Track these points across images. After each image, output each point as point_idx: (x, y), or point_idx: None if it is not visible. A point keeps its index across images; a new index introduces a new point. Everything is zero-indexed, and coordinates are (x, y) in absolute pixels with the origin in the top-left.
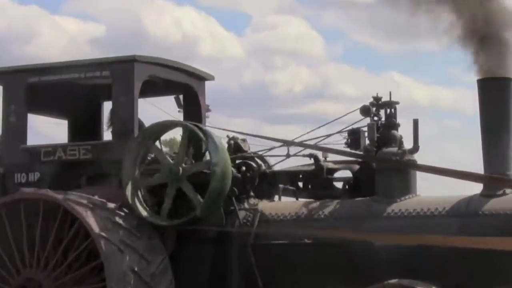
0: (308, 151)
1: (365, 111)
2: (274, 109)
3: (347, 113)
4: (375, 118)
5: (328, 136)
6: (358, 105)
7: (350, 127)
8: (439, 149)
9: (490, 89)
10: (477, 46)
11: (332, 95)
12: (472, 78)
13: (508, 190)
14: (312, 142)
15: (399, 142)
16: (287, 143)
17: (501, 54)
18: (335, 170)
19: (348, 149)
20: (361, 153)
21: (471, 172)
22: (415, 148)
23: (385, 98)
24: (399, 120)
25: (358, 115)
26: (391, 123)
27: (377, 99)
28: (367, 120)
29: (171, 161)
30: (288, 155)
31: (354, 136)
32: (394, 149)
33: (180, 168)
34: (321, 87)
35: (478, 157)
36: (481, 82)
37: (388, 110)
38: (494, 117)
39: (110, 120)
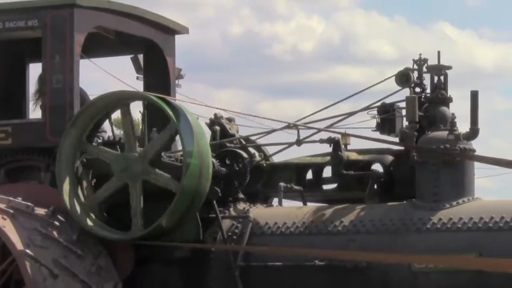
0: (322, 135)
1: (403, 79)
2: (275, 77)
3: (378, 82)
4: (418, 89)
5: (351, 114)
6: (394, 71)
7: (381, 102)
8: (510, 132)
9: None
10: None
11: (357, 56)
12: None
13: None
14: (328, 123)
15: (450, 123)
16: (292, 125)
17: None
18: (360, 162)
19: (378, 134)
20: (397, 139)
21: None
22: (474, 131)
23: (432, 61)
24: (451, 92)
25: (393, 85)
26: (440, 97)
27: (420, 62)
28: (406, 91)
29: (115, 151)
30: (294, 142)
31: (387, 115)
32: (443, 133)
33: (136, 154)
34: (342, 45)
35: None
36: None
37: (436, 78)
38: None
39: (38, 90)
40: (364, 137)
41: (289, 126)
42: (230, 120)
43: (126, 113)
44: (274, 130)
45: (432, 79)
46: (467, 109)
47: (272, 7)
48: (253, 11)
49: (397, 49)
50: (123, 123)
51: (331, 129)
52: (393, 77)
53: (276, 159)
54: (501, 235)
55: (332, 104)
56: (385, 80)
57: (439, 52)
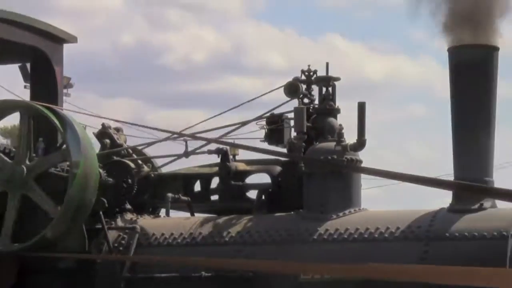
0: (211, 145)
1: (291, 89)
2: (166, 86)
3: (266, 93)
4: (306, 100)
5: (240, 125)
6: (284, 81)
7: (270, 113)
8: (396, 143)
9: (466, 62)
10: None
11: (249, 66)
12: (443, 45)
13: (486, 203)
14: (216, 134)
15: (338, 134)
16: (179, 135)
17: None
18: (248, 173)
19: (266, 144)
20: (285, 149)
21: (434, 178)
22: (361, 142)
23: (321, 72)
24: (339, 103)
25: (282, 96)
26: (328, 108)
27: (309, 73)
28: (295, 102)
29: (8, 160)
30: (182, 154)
31: (275, 126)
32: (330, 144)
33: (24, 167)
34: (233, 55)
35: (448, 155)
36: (454, 51)
37: (325, 89)
38: (470, 101)
39: None
40: (250, 147)
41: (177, 136)
42: (118, 130)
43: (22, 123)
44: (160, 140)
45: (320, 90)
46: (355, 120)
47: (164, 16)
48: (145, 20)
49: (287, 60)
50: (19, 133)
51: (218, 140)
52: (282, 88)
53: (165, 169)
54: (386, 245)
55: (219, 114)
56: (273, 90)
57: (327, 64)
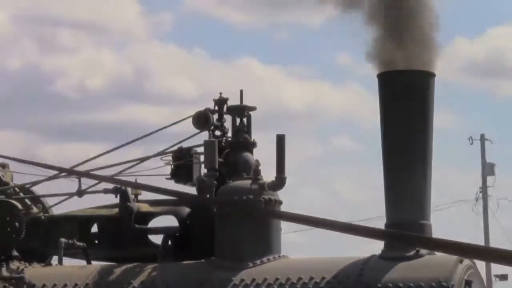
0: (107, 184)
1: (201, 120)
2: (59, 116)
3: (172, 123)
4: (218, 133)
5: (140, 161)
6: (193, 111)
7: (177, 146)
8: (321, 180)
9: (398, 89)
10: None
11: (153, 93)
12: (370, 71)
13: (423, 250)
14: (115, 170)
15: (254, 171)
16: (69, 173)
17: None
18: (153, 215)
19: (172, 182)
20: (193, 189)
21: (357, 225)
22: (280, 180)
23: (234, 100)
24: (255, 135)
25: (191, 127)
26: (243, 141)
27: (221, 102)
28: (205, 135)
29: None
30: (75, 193)
31: (183, 161)
32: (246, 183)
33: None
34: (135, 81)
35: (380, 194)
36: (384, 77)
37: (239, 120)
38: (403, 134)
39: None
40: (153, 187)
41: (64, 175)
42: (3, 166)
43: None
44: (50, 178)
45: (234, 121)
46: (273, 154)
47: (56, 38)
48: (34, 43)
49: (197, 87)
50: None
51: (115, 178)
52: (191, 118)
53: (57, 210)
54: None
55: (118, 147)
56: (181, 121)
57: (241, 91)
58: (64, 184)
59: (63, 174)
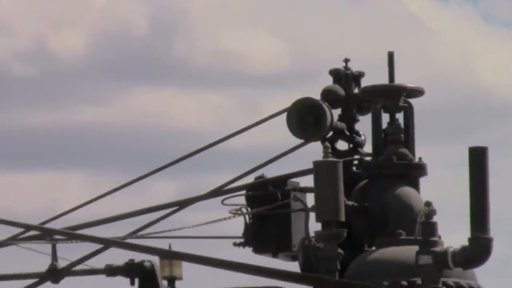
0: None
1: (311, 110)
2: None
3: (246, 128)
4: (342, 145)
5: (180, 206)
6: (277, 101)
7: (251, 176)
8: None
9: None
10: None
11: None
12: None
13: None
14: (124, 228)
15: (425, 225)
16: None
17: None
18: None
19: (244, 252)
20: (290, 268)
21: None
22: (480, 245)
23: (371, 78)
24: (421, 150)
25: (283, 134)
26: (399, 163)
27: (348, 77)
28: (313, 152)
29: None
30: None
31: (269, 207)
32: (404, 252)
33: None
34: None
35: None
36: None
37: (388, 118)
38: None
39: None
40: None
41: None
42: None
43: None
44: None
45: (377, 119)
46: (459, 186)
47: None
48: None
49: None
50: None
51: (130, 241)
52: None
53: None
54: None
55: (132, 181)
56: (265, 120)
57: (391, 55)
58: (10, 253)
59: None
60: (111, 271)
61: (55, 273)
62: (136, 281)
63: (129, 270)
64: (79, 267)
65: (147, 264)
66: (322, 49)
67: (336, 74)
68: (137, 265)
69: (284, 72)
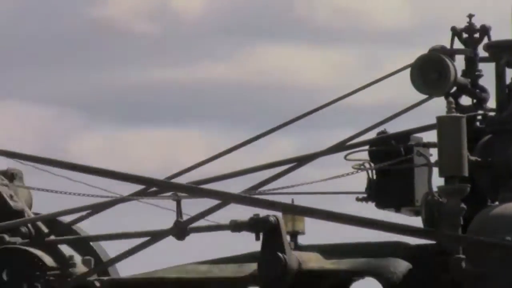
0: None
1: (426, 70)
2: None
3: (368, 85)
4: (465, 101)
5: (298, 163)
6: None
7: (374, 131)
8: None
9: None
10: None
11: None
12: None
13: None
14: (242, 184)
15: None
16: (160, 186)
17: None
18: (328, 278)
19: (367, 207)
20: (411, 223)
21: None
22: None
23: (498, 33)
24: None
25: (404, 92)
26: None
27: (473, 32)
28: (437, 107)
29: None
30: None
31: (392, 162)
32: None
33: None
34: None
35: None
36: None
37: None
38: None
39: None
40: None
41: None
42: (11, 176)
43: None
44: (117, 201)
45: (501, 75)
46: None
47: None
48: None
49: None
50: None
51: (252, 196)
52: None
53: (126, 267)
54: None
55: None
56: (384, 78)
57: None
58: (133, 209)
59: (151, 189)
60: (236, 226)
61: (181, 230)
62: (261, 236)
63: (255, 225)
64: (204, 223)
65: (272, 219)
66: (445, 4)
67: (458, 31)
68: (263, 220)
69: (406, 28)
